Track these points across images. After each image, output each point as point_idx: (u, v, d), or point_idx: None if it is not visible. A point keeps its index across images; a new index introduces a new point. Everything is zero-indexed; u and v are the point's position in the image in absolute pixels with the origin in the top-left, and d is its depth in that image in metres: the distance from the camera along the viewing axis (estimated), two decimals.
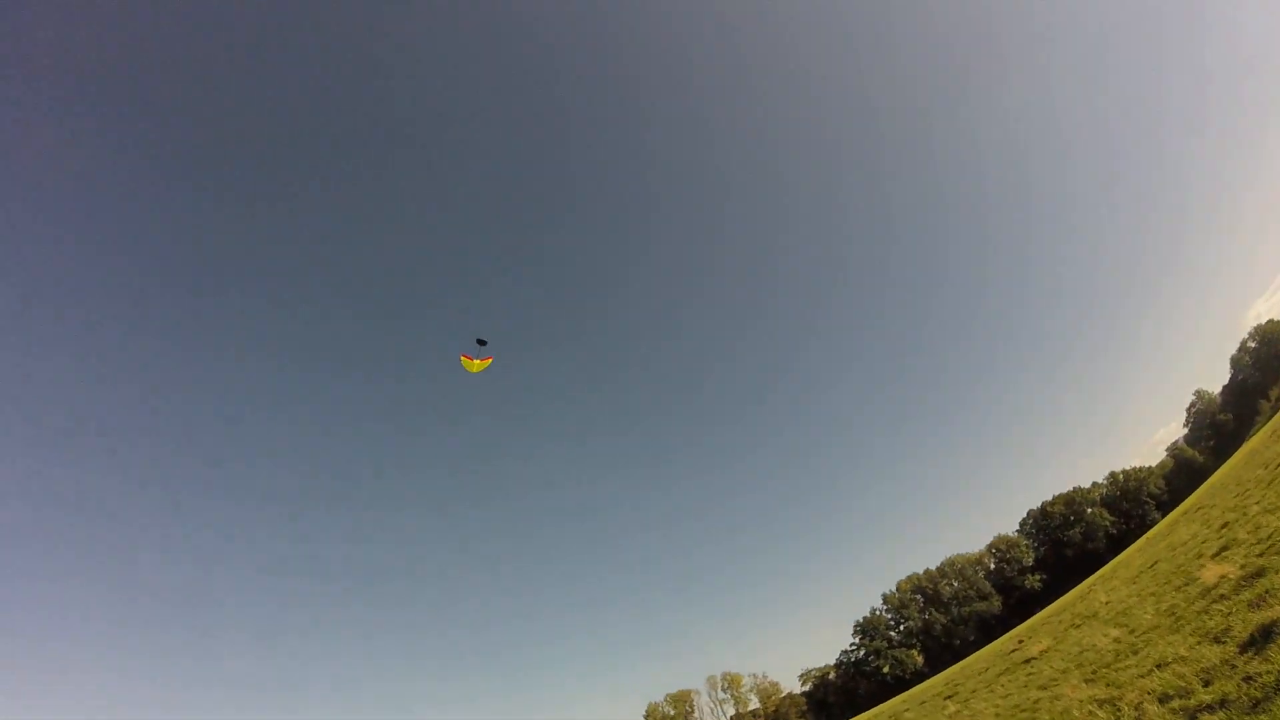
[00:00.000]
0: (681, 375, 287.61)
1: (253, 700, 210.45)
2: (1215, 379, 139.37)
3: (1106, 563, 71.42)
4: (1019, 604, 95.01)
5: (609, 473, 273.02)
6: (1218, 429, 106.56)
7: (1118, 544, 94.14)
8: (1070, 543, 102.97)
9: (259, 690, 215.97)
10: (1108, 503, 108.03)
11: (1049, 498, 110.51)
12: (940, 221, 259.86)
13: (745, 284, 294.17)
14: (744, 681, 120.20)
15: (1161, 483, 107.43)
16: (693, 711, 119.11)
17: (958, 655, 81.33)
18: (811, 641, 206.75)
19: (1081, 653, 21.86)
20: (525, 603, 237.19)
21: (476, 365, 31.68)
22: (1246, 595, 14.56)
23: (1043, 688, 20.40)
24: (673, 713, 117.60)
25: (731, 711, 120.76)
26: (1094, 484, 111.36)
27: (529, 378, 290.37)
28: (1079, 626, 28.05)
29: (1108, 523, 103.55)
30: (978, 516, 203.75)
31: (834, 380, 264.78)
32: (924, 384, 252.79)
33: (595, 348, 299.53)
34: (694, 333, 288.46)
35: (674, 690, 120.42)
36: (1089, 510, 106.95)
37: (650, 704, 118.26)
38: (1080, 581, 63.50)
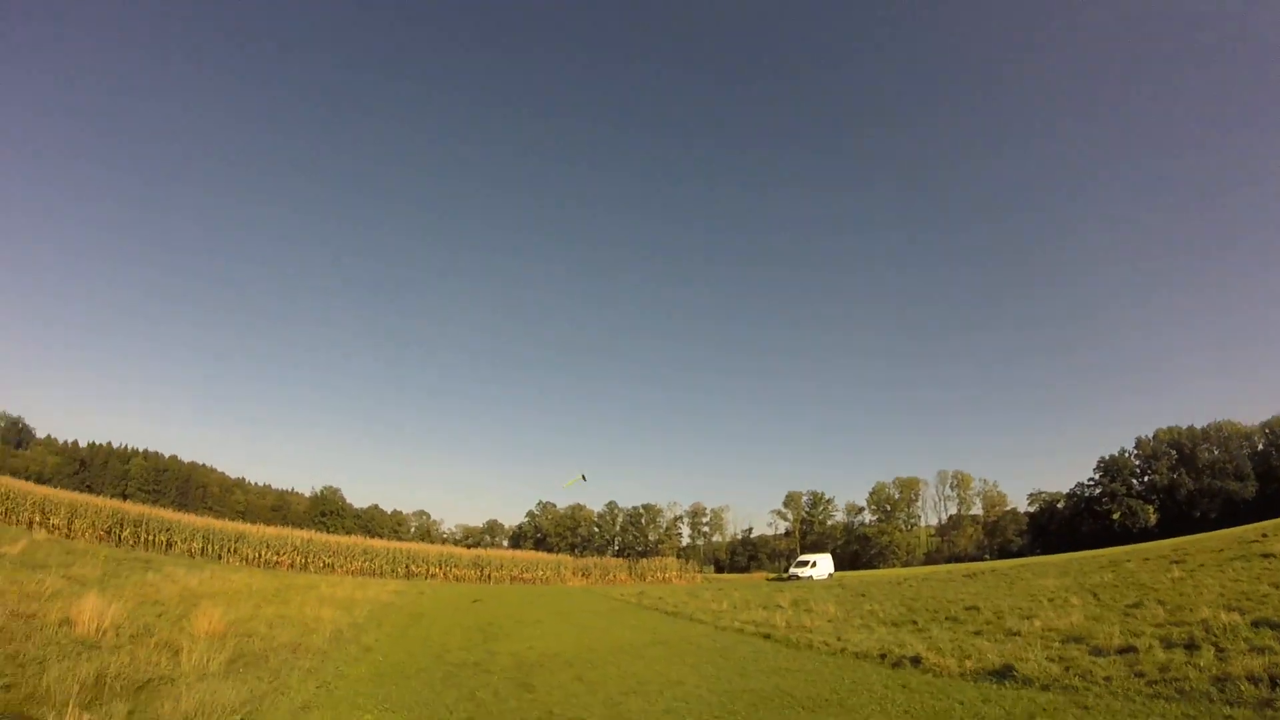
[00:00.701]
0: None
1: None
2: None
3: None
4: (1275, 498, 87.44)
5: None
6: None
7: None
8: None
9: None
10: None
11: None
12: None
13: None
14: (973, 484, 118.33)
15: None
16: (916, 500, 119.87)
17: (1193, 527, 78.65)
18: (1041, 461, 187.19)
19: None
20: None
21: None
22: None
23: (1276, 585, 20.09)
24: (898, 496, 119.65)
25: (954, 510, 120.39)
26: None
27: None
28: None
29: None
30: (1260, 385, 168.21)
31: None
32: None
33: None
34: None
35: (903, 475, 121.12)
36: None
37: (878, 483, 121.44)
38: None
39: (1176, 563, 31.74)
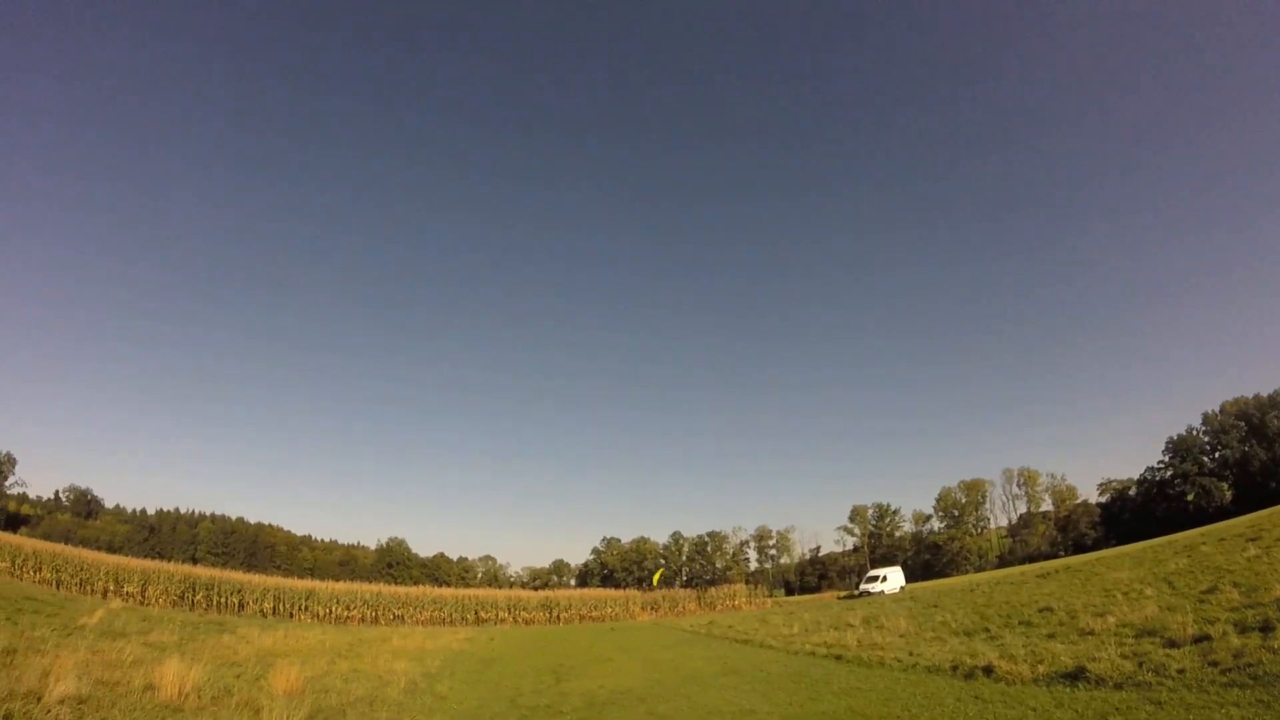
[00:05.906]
0: None
1: None
2: None
3: None
4: None
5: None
6: None
7: None
8: None
9: None
10: None
11: None
12: None
13: None
14: (1040, 480, 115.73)
15: None
16: (984, 502, 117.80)
17: (1270, 500, 73.99)
18: (1112, 450, 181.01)
19: None
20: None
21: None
22: None
23: None
24: (965, 500, 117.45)
25: (1023, 509, 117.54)
26: None
27: None
28: None
29: None
30: None
31: None
32: None
33: None
34: None
35: (968, 478, 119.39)
36: None
37: (943, 488, 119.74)
38: None
39: (1252, 540, 29.97)
